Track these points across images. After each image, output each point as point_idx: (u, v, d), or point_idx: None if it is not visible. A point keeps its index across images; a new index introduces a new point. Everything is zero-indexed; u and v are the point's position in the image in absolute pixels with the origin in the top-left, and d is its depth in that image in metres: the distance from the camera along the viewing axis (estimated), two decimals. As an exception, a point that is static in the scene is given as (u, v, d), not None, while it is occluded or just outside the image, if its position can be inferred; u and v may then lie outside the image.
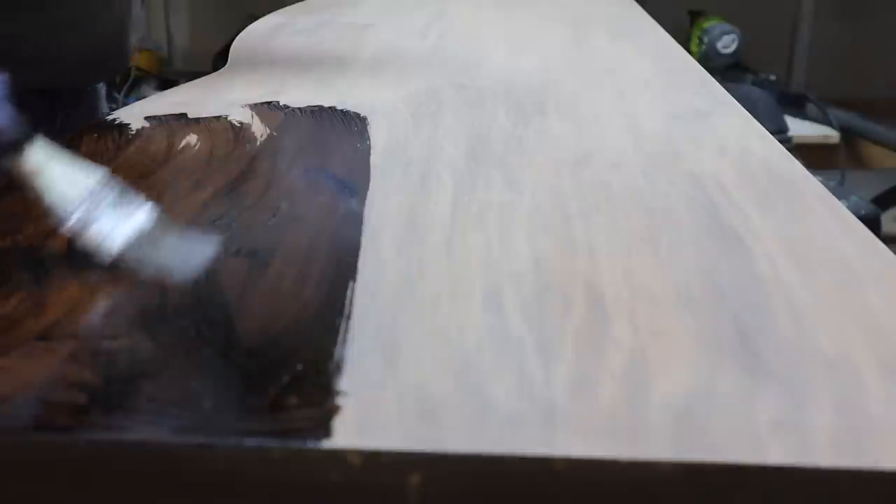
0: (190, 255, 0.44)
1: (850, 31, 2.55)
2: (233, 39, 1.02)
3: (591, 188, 0.55)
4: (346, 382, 0.34)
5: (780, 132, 2.00)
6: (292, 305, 0.40)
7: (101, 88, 0.86)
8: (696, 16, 2.44)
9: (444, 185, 0.55)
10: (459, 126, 0.67)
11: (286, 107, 0.73)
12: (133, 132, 0.67)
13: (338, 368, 0.35)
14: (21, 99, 0.63)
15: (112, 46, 0.80)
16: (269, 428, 0.32)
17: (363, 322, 0.39)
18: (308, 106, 0.73)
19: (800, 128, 2.17)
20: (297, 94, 0.77)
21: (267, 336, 0.38)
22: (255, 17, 1.17)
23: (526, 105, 0.72)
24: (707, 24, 2.36)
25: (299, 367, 0.35)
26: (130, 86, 1.99)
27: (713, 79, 0.84)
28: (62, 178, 0.47)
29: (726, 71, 2.31)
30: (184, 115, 0.71)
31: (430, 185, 0.55)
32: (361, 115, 0.70)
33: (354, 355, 0.36)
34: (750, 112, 0.72)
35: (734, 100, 0.76)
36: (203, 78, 0.85)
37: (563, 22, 1.11)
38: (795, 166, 0.59)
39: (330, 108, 0.72)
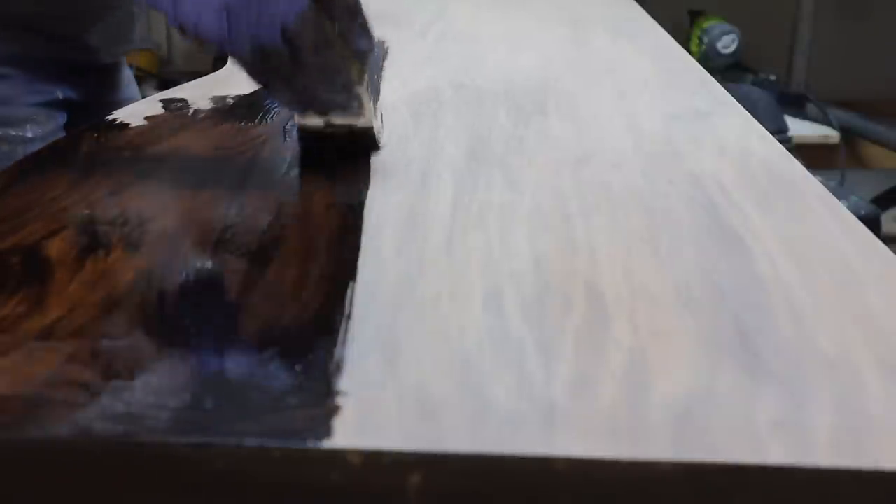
0: None
1: (850, 31, 2.55)
2: (233, 39, 1.02)
3: (591, 188, 0.55)
4: (346, 382, 0.34)
5: (780, 132, 2.00)
6: (292, 305, 0.40)
7: (124, 66, 0.97)
8: (696, 16, 2.44)
9: (444, 185, 0.55)
10: (460, 126, 0.67)
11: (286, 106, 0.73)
12: (132, 132, 0.67)
13: (338, 368, 0.35)
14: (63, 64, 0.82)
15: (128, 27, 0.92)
16: (269, 428, 0.32)
17: (363, 322, 0.39)
18: (308, 106, 0.73)
19: (800, 128, 2.17)
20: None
21: (267, 336, 0.38)
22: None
23: (526, 105, 0.72)
24: (707, 24, 2.37)
25: (299, 367, 0.35)
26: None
27: (713, 79, 0.84)
28: None
29: (726, 71, 2.31)
30: (184, 115, 0.71)
31: (430, 184, 0.55)
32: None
33: (354, 355, 0.36)
34: (750, 112, 0.72)
35: (734, 100, 0.76)
36: (203, 78, 0.85)
37: (562, 22, 1.11)
38: (795, 166, 0.59)
39: (330, 108, 0.72)
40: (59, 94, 0.84)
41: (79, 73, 0.87)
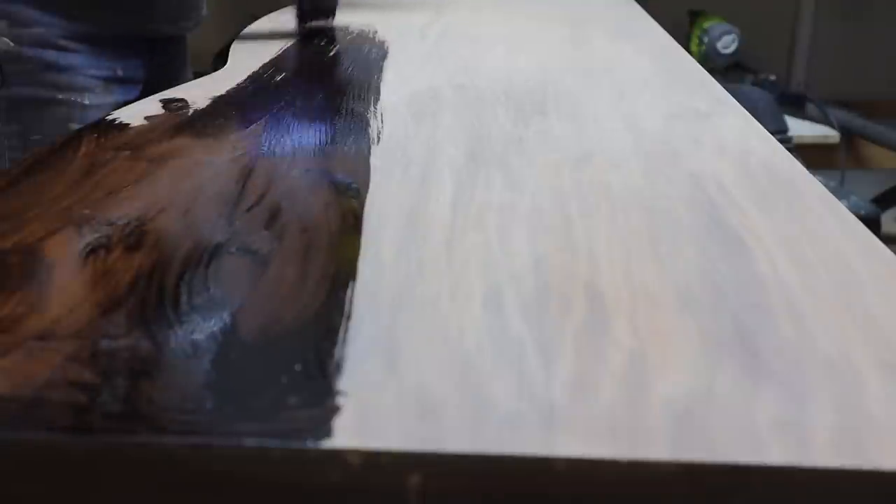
0: None
1: (850, 31, 2.55)
2: (233, 39, 1.02)
3: (591, 188, 0.55)
4: (346, 382, 0.34)
5: (780, 132, 2.00)
6: (292, 306, 0.40)
7: (185, 40, 1.08)
8: (696, 16, 2.44)
9: (444, 185, 0.55)
10: (459, 126, 0.67)
11: (286, 107, 0.73)
12: (132, 132, 0.67)
13: (338, 368, 0.35)
14: (126, 43, 0.93)
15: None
16: (269, 428, 0.32)
17: (363, 322, 0.39)
18: (309, 107, 0.73)
19: (800, 128, 2.17)
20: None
21: (267, 336, 0.38)
22: (255, 17, 1.17)
23: (526, 105, 0.72)
24: (707, 24, 2.37)
25: (298, 367, 0.35)
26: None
27: (713, 79, 0.84)
28: None
29: (726, 71, 2.31)
30: (184, 115, 0.71)
31: (430, 185, 0.55)
32: (362, 115, 0.70)
33: (354, 355, 0.36)
34: (750, 112, 0.72)
35: (734, 100, 0.76)
36: (203, 78, 0.85)
37: (562, 22, 1.11)
38: (795, 166, 0.59)
39: (331, 108, 0.72)
40: (119, 72, 0.91)
41: (143, 50, 0.94)
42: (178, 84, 0.83)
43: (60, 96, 0.88)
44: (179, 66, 1.03)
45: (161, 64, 0.98)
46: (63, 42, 0.88)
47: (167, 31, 0.98)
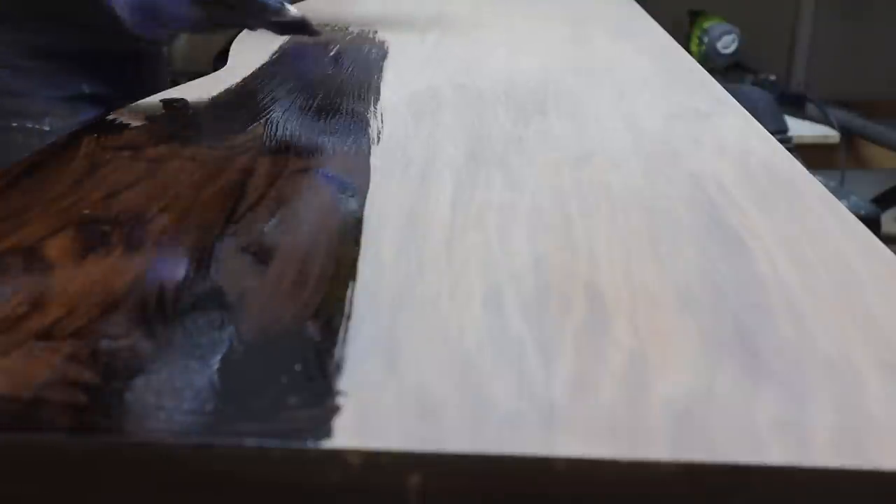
0: None
1: (850, 31, 2.55)
2: (233, 39, 1.02)
3: (592, 188, 0.55)
4: (346, 382, 0.34)
5: (780, 132, 2.00)
6: (292, 306, 0.40)
7: (162, 53, 0.99)
8: (696, 16, 2.44)
9: (444, 185, 0.55)
10: (459, 126, 0.67)
11: (286, 106, 0.73)
12: (132, 132, 0.67)
13: (338, 368, 0.35)
14: (92, 57, 0.84)
15: None
16: (269, 428, 0.32)
17: (363, 322, 0.39)
18: (309, 107, 0.73)
19: (800, 128, 2.17)
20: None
21: (267, 336, 0.38)
22: (255, 17, 1.17)
23: (526, 105, 0.72)
24: (707, 24, 2.37)
25: (298, 367, 0.35)
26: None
27: (713, 79, 0.84)
28: None
29: (726, 71, 2.31)
30: (184, 115, 0.71)
31: (430, 185, 0.55)
32: (362, 115, 0.70)
33: (354, 355, 0.36)
34: (750, 112, 0.72)
35: (734, 100, 0.76)
36: (203, 78, 0.85)
37: (562, 22, 1.11)
38: (795, 166, 0.59)
39: (331, 108, 0.72)
40: (86, 89, 0.82)
41: (113, 65, 0.85)
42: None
43: (14, 124, 0.79)
44: (153, 80, 0.92)
45: (132, 79, 0.88)
46: (18, 61, 0.79)
47: (139, 45, 0.87)
